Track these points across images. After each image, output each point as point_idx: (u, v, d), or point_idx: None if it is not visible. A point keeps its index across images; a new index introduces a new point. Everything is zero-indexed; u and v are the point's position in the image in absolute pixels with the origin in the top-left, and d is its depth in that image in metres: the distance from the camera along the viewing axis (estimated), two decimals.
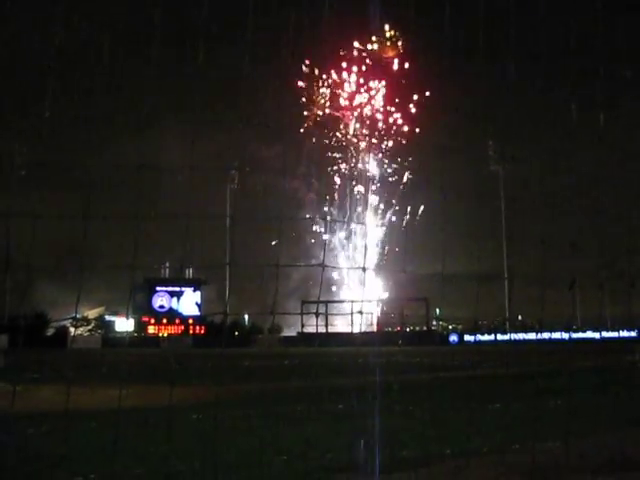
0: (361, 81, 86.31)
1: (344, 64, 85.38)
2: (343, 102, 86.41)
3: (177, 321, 73.67)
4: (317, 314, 64.62)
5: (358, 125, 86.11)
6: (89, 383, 17.01)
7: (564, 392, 13.32)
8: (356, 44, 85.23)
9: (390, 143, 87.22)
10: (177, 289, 75.30)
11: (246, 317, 77.58)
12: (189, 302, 74.93)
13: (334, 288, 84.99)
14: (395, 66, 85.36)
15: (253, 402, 15.34)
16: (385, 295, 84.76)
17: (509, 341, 67.13)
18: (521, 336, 69.99)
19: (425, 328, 75.70)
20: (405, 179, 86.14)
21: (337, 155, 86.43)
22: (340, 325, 76.01)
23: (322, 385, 18.64)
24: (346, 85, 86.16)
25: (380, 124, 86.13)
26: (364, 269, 15.36)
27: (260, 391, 18.58)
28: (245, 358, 35.62)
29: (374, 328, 77.25)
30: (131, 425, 9.78)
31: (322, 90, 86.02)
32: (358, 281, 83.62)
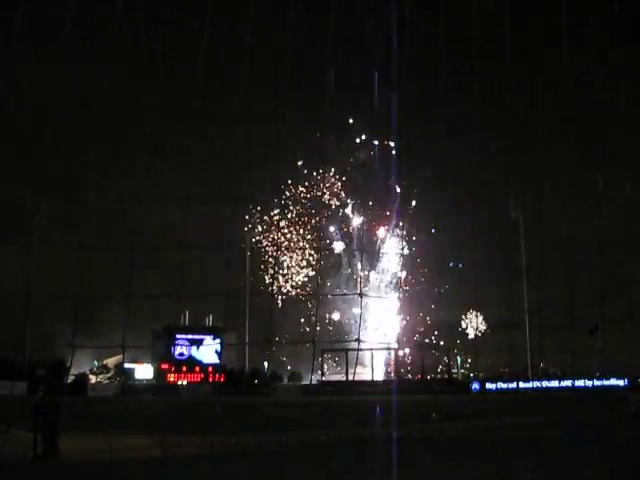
0: None
1: None
2: None
3: (197, 369, 73.35)
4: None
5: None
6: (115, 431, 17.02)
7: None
8: None
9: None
10: (197, 337, 75.18)
11: (265, 365, 77.23)
12: (209, 350, 74.70)
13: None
14: None
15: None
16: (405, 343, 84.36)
17: (531, 389, 66.11)
18: (544, 384, 68.84)
19: (446, 376, 74.78)
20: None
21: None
22: (359, 372, 75.29)
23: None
24: None
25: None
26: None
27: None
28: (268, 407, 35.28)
29: (394, 376, 76.59)
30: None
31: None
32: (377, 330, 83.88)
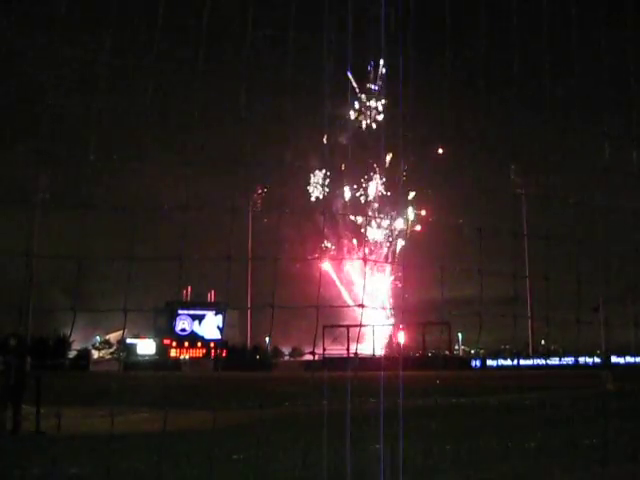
0: None
1: None
2: None
3: (199, 344, 73.70)
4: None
5: None
6: (116, 408, 17.01)
7: None
8: None
9: None
10: (199, 312, 75.41)
11: (267, 340, 77.48)
12: (211, 325, 75.01)
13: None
14: None
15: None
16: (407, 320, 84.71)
17: (532, 366, 66.29)
18: (544, 361, 69.02)
19: (447, 352, 75.01)
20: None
21: None
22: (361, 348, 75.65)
23: None
24: None
25: None
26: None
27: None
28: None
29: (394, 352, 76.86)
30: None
31: None
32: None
